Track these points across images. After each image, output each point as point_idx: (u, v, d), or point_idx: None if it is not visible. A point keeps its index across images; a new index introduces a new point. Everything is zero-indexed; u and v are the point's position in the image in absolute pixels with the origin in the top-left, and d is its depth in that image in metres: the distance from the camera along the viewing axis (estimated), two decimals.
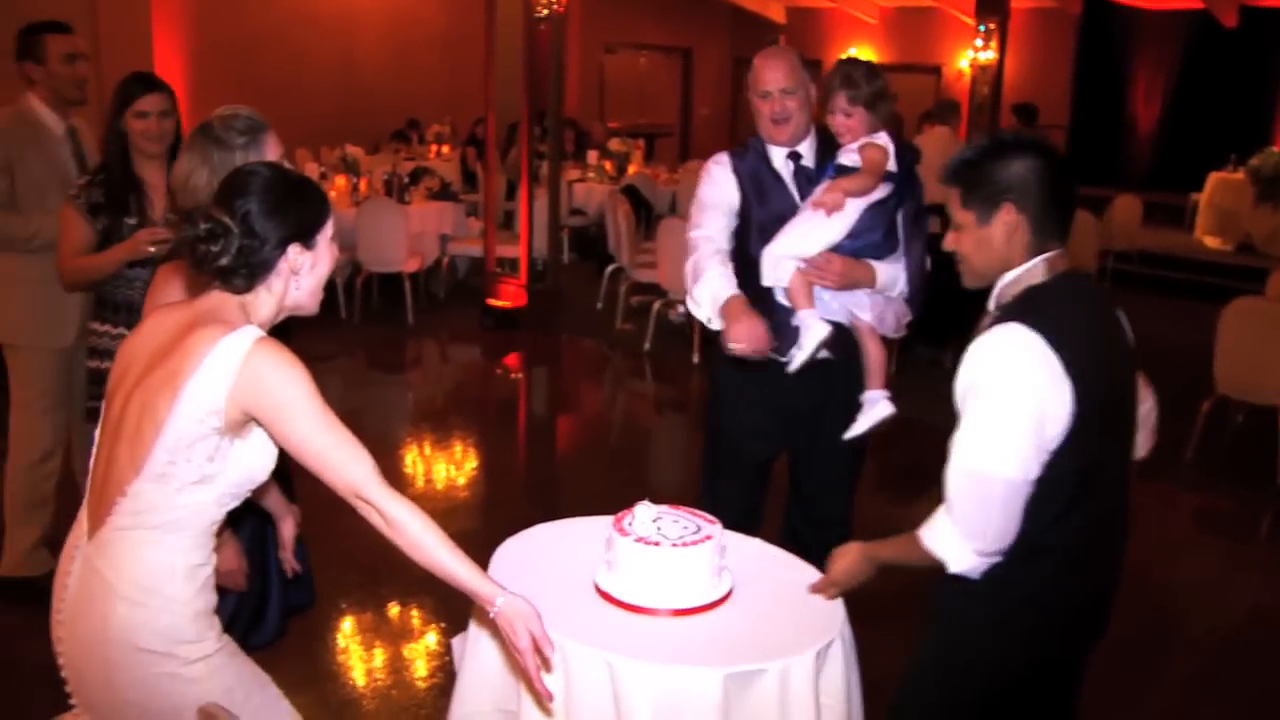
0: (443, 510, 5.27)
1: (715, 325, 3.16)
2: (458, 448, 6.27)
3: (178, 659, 1.97)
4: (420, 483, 5.69)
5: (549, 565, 2.44)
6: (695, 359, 7.96)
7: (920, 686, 2.37)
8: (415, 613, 4.25)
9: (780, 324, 3.28)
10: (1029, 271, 2.16)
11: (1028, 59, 15.55)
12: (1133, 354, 2.31)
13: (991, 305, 2.23)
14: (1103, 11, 15.29)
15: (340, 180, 9.54)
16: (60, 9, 6.76)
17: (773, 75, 3.29)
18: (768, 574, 2.48)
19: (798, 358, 3.21)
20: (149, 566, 1.96)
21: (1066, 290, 2.17)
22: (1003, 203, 2.15)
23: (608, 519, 2.38)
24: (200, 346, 1.89)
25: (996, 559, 2.14)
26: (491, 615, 1.91)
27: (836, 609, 2.31)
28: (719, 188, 3.38)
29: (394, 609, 4.27)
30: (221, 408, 1.89)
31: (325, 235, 2.07)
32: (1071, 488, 2.12)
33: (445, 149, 13.16)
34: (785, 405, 3.39)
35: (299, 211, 2.01)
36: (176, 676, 1.97)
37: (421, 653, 3.99)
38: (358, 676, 3.84)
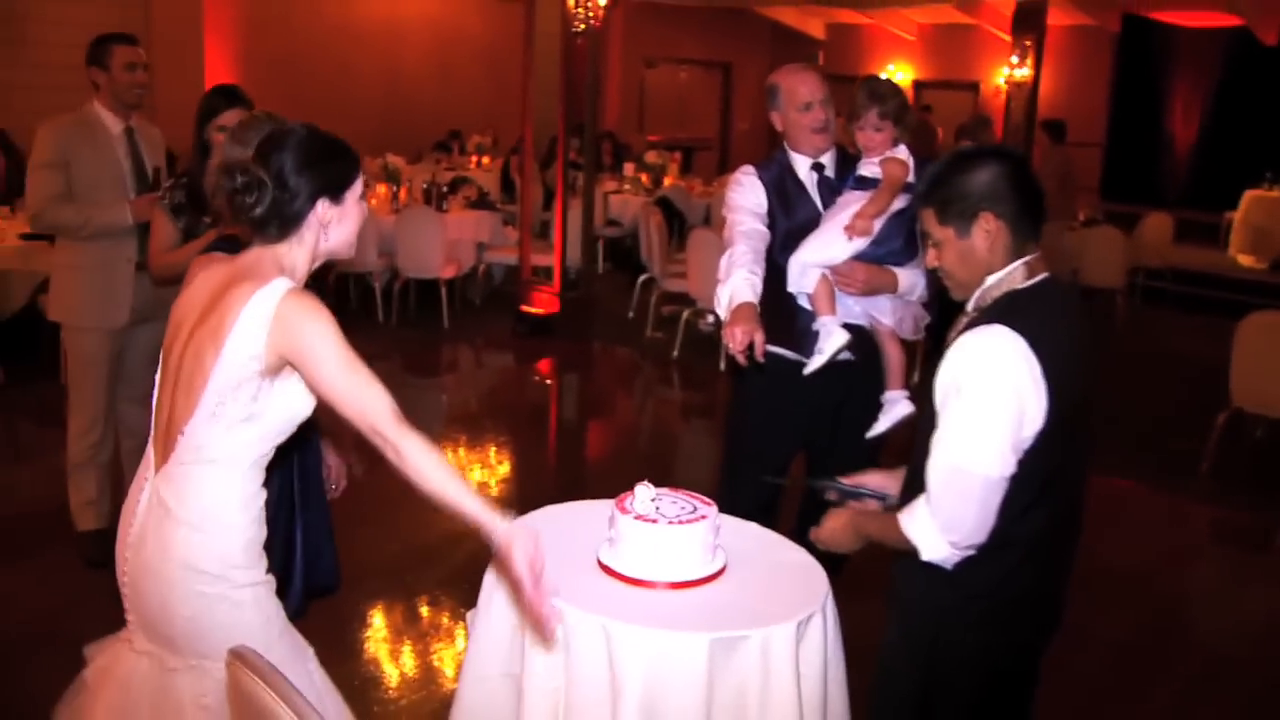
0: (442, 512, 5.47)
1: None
2: (490, 450, 6.46)
3: (228, 581, 2.19)
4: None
5: (556, 541, 2.59)
6: (722, 366, 8.11)
7: (891, 676, 2.45)
8: (441, 602, 4.43)
9: (804, 328, 3.47)
10: (1010, 275, 2.24)
11: (1064, 76, 15.59)
12: (1095, 357, 2.39)
13: (970, 307, 2.31)
14: (1141, 29, 15.32)
15: (381, 188, 9.79)
16: (118, 22, 7.07)
17: (812, 88, 3.50)
18: (760, 554, 2.63)
19: (815, 361, 3.39)
20: (208, 496, 2.18)
21: (1045, 295, 2.24)
22: (980, 212, 2.22)
23: (612, 501, 2.55)
24: (238, 301, 2.10)
25: (970, 552, 2.22)
26: (491, 540, 2.05)
27: (820, 586, 2.46)
28: (749, 193, 3.56)
29: (419, 601, 4.45)
30: (261, 353, 2.09)
31: (354, 193, 2.26)
32: (1039, 485, 2.20)
33: (486, 160, 13.42)
34: (808, 404, 3.56)
35: (329, 169, 2.21)
36: (225, 598, 2.19)
37: (441, 639, 4.17)
38: (381, 659, 4.02)
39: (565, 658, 2.26)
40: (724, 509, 2.61)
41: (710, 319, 8.75)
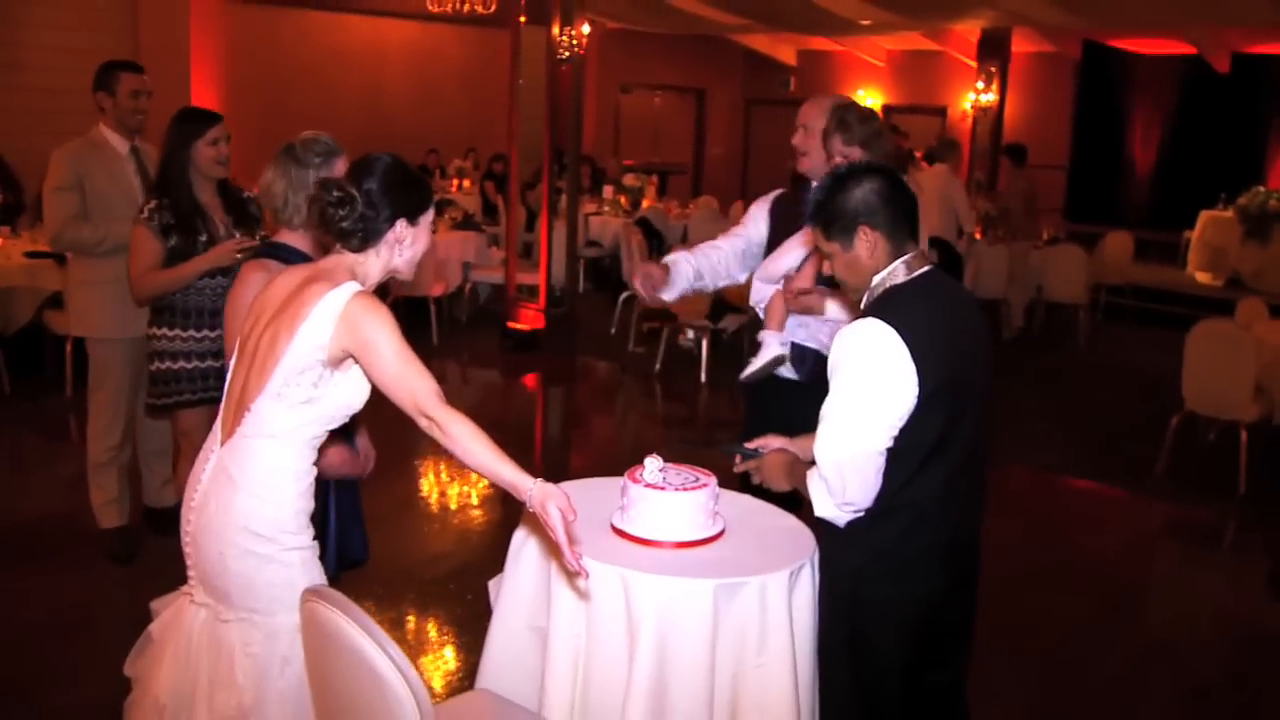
0: (456, 516, 5.76)
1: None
2: None
3: (278, 544, 2.48)
4: (440, 494, 6.16)
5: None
6: (703, 379, 8.45)
7: (822, 630, 2.71)
8: (428, 611, 4.73)
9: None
10: (891, 273, 2.56)
11: (1028, 101, 16.11)
12: (984, 332, 2.69)
13: (862, 305, 2.61)
14: (1101, 56, 15.87)
15: None
16: (105, 46, 7.32)
17: (804, 114, 3.80)
18: (755, 520, 2.96)
19: (748, 370, 3.70)
20: (265, 467, 2.47)
21: (921, 287, 2.55)
22: (858, 227, 2.53)
23: (620, 479, 2.87)
24: (313, 297, 2.41)
25: (859, 514, 2.53)
26: (526, 499, 2.34)
27: (808, 543, 2.78)
28: (750, 218, 3.95)
29: (408, 609, 4.74)
30: (326, 344, 2.40)
31: (426, 219, 2.58)
32: (922, 453, 2.47)
33: (466, 183, 13.76)
34: (788, 416, 3.81)
35: (409, 195, 2.53)
36: (274, 559, 2.47)
37: (430, 646, 4.46)
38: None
39: (586, 606, 2.57)
40: None
41: (690, 334, 9.09)
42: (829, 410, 2.50)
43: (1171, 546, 6.09)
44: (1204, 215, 13.30)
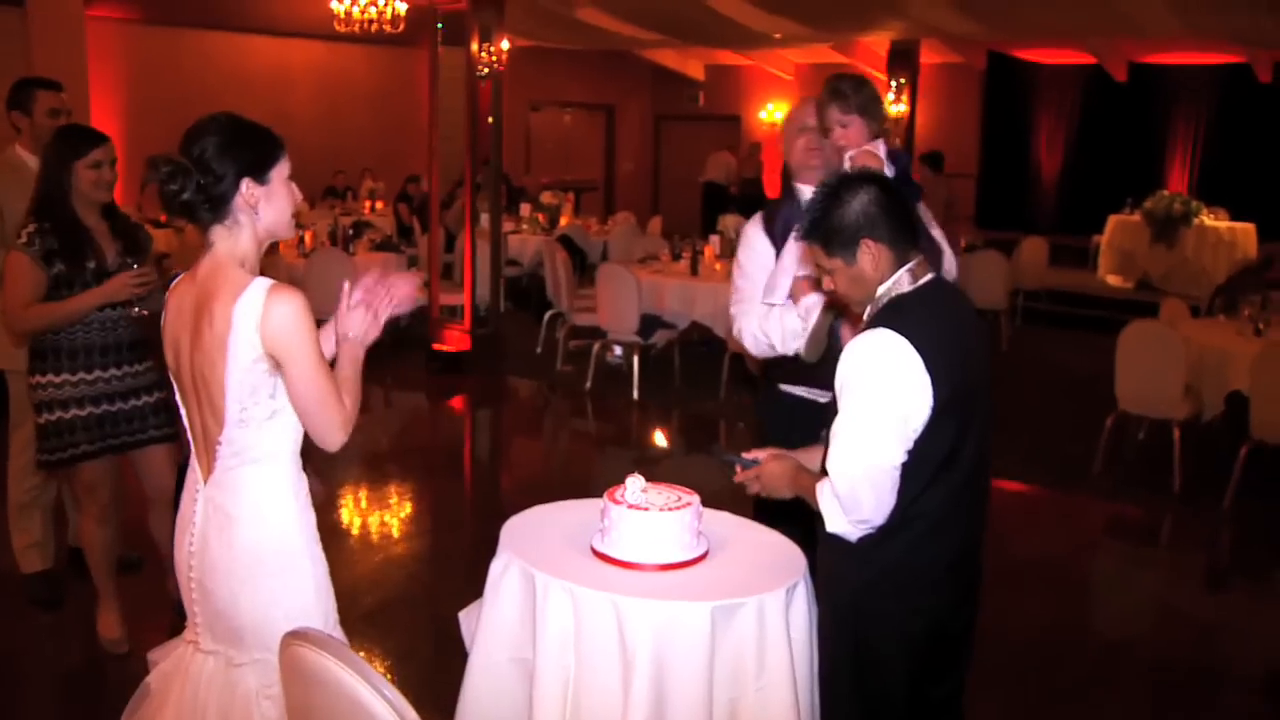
0: (386, 545, 5.59)
1: (797, 339, 3.34)
2: (411, 483, 6.56)
3: (293, 571, 2.39)
4: (373, 520, 5.97)
5: (551, 535, 2.81)
6: (635, 396, 8.36)
7: (824, 647, 2.63)
8: (367, 634, 4.57)
9: (820, 364, 3.35)
10: (896, 282, 2.47)
11: (938, 111, 16.37)
12: (986, 343, 2.64)
13: (866, 315, 2.53)
14: (1005, 66, 16.20)
15: None
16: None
17: (811, 112, 3.47)
18: (739, 537, 2.87)
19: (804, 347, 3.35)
20: (258, 492, 2.36)
21: (928, 296, 2.48)
22: (860, 241, 2.43)
23: (598, 500, 2.76)
24: (224, 312, 2.26)
25: (871, 530, 2.43)
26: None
27: (799, 558, 2.71)
28: (756, 255, 3.55)
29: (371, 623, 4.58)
30: (262, 354, 2.27)
31: (279, 173, 2.39)
32: (934, 466, 2.39)
33: (379, 205, 13.53)
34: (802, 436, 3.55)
35: (249, 151, 2.35)
36: (289, 588, 2.37)
37: (405, 657, 4.31)
38: None
39: (576, 635, 2.46)
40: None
41: (618, 350, 9.01)
42: (842, 426, 2.41)
43: (1117, 546, 6.16)
44: (1112, 219, 13.61)
